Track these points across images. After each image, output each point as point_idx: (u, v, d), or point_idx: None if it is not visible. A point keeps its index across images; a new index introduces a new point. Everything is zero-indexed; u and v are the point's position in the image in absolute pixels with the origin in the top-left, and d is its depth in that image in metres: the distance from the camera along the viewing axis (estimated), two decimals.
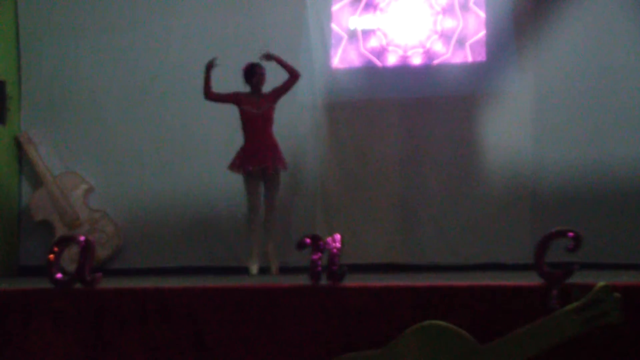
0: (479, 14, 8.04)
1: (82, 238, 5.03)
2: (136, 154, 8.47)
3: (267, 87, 7.48)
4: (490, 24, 7.99)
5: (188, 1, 8.57)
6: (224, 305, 4.76)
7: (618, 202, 7.47)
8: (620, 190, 7.47)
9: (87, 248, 4.98)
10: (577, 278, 4.41)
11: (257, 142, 7.35)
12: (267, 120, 7.42)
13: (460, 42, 8.03)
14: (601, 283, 4.12)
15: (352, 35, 8.27)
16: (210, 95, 7.42)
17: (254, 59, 7.71)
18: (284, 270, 7.24)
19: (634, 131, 7.53)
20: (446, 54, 8.08)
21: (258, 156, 7.34)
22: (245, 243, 7.67)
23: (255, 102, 7.40)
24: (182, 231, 8.28)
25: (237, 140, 7.70)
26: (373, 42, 8.23)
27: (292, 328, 4.61)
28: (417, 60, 8.09)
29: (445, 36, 8.08)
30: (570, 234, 4.46)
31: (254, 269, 7.28)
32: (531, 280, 4.58)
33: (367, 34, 8.26)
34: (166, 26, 8.53)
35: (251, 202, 7.43)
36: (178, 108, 8.37)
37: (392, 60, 8.17)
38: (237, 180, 7.62)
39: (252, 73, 7.47)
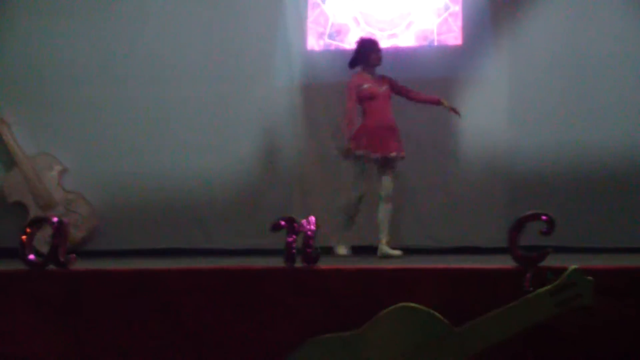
0: (455, 1, 8.05)
1: (55, 219, 5.01)
2: (112, 136, 8.41)
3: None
4: (467, 8, 7.99)
5: None
6: (199, 286, 4.76)
7: (592, 187, 7.51)
8: (594, 174, 7.52)
9: (60, 229, 4.96)
10: (551, 261, 4.43)
11: (380, 124, 6.92)
12: (388, 99, 7.00)
13: (437, 26, 8.02)
14: (574, 266, 4.15)
15: (329, 17, 8.24)
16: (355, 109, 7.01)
17: (231, 40, 7.68)
18: (262, 252, 7.21)
19: (608, 116, 7.57)
20: (423, 38, 8.07)
21: (383, 142, 6.89)
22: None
23: (376, 80, 6.99)
24: (158, 213, 8.24)
25: (215, 123, 7.68)
26: (351, 25, 8.21)
27: (266, 310, 4.62)
28: (394, 44, 8.08)
29: (422, 20, 8.08)
30: (544, 217, 4.49)
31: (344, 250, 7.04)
32: (506, 263, 4.60)
33: (344, 16, 8.23)
34: (142, 7, 8.45)
35: (362, 190, 6.99)
36: (155, 90, 8.31)
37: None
38: (212, 162, 7.60)
39: (377, 50, 7.03)
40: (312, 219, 4.81)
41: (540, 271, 4.29)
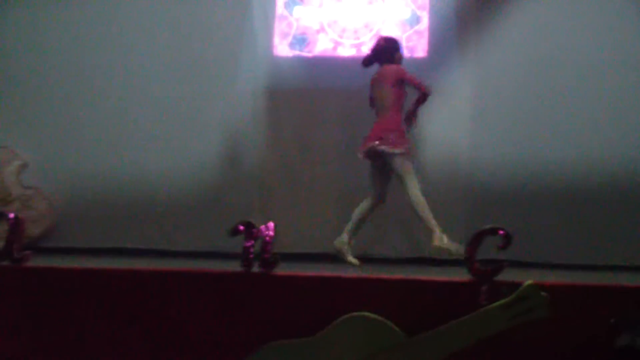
0: (423, 9, 8.09)
1: (11, 215, 4.97)
2: (74, 132, 8.33)
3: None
4: (433, 21, 8.04)
5: None
6: (153, 287, 4.74)
7: (551, 202, 7.56)
8: (553, 189, 7.57)
9: (16, 225, 4.92)
10: (507, 275, 4.47)
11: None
12: None
13: (403, 38, 8.06)
14: (529, 281, 4.19)
15: (297, 23, 8.25)
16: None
17: (198, 42, 7.65)
18: (220, 255, 7.17)
19: (569, 131, 7.64)
20: None
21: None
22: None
23: (376, 79, 6.79)
24: (117, 212, 8.16)
25: (177, 124, 7.64)
26: (316, 32, 8.22)
27: (222, 314, 4.62)
28: (360, 52, 8.10)
29: (388, 31, 8.10)
30: (501, 232, 4.53)
31: None
32: (463, 276, 4.63)
33: (311, 22, 8.24)
34: (109, 6, 8.39)
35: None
36: (118, 88, 8.26)
37: (335, 50, 8.17)
38: (174, 163, 7.57)
39: (400, 49, 6.93)
40: (271, 224, 4.81)
41: (496, 285, 4.33)
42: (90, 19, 8.40)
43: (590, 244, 7.47)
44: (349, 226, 6.69)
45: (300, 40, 8.24)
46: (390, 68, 6.69)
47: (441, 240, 6.35)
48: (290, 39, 8.24)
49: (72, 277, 4.81)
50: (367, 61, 6.90)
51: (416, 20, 8.12)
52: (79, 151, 8.28)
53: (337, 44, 8.19)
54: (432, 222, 6.40)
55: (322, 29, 8.22)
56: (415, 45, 8.08)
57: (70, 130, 8.32)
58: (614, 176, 7.56)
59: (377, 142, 6.49)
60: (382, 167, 6.61)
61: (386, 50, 6.83)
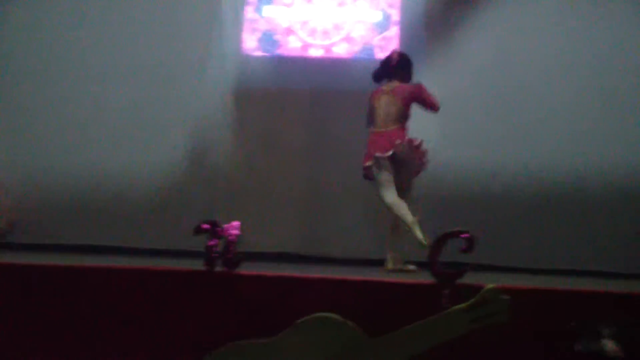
0: (393, 14, 8.12)
1: None
2: (40, 129, 8.26)
3: None
4: (404, 24, 8.06)
5: None
6: (116, 285, 4.71)
7: (514, 206, 7.62)
8: (517, 193, 7.63)
9: None
10: (469, 279, 4.49)
11: None
12: None
13: (374, 40, 8.08)
14: (491, 285, 4.20)
15: (266, 23, 8.24)
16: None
17: (165, 40, 7.60)
18: (184, 254, 7.13)
19: (537, 133, 7.70)
20: (359, 51, 8.12)
21: None
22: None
23: (387, 93, 6.71)
24: (83, 209, 8.11)
25: (143, 122, 7.61)
26: (286, 32, 8.22)
27: (184, 313, 4.60)
28: (329, 54, 8.11)
29: (359, 34, 8.13)
30: (465, 235, 4.55)
31: None
32: (426, 278, 4.65)
33: (281, 23, 8.23)
34: (76, 4, 8.34)
35: None
36: (85, 86, 8.20)
37: (304, 51, 8.18)
38: (139, 161, 7.53)
39: (389, 63, 6.86)
40: (235, 223, 4.82)
41: (458, 288, 4.35)
42: (56, 20, 8.34)
43: (553, 249, 7.53)
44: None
45: (270, 40, 8.23)
46: (409, 87, 6.68)
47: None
48: (259, 39, 8.22)
49: (34, 274, 4.77)
50: (380, 76, 6.84)
51: (386, 23, 8.14)
52: (45, 148, 8.22)
53: (306, 44, 8.20)
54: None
55: (291, 30, 8.22)
56: (384, 47, 8.10)
57: (36, 127, 8.25)
58: (578, 181, 7.63)
59: (400, 142, 6.47)
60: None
61: (402, 66, 6.79)
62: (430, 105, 6.64)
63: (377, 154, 6.46)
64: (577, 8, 7.92)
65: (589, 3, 7.94)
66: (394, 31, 8.10)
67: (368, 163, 6.50)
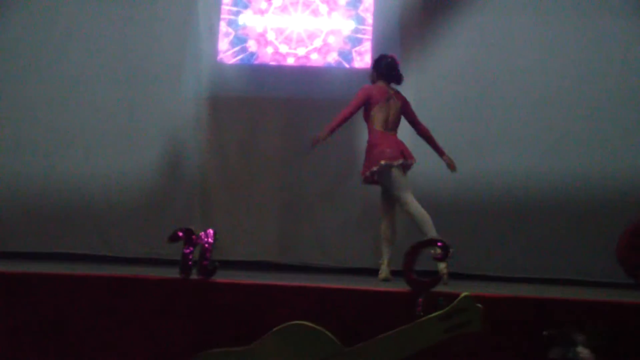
0: (368, 22, 8.15)
1: None
2: (12, 134, 8.21)
3: None
4: (377, 34, 8.09)
5: None
6: (93, 293, 4.69)
7: (489, 214, 7.64)
8: (491, 201, 7.64)
9: None
10: (443, 287, 4.51)
11: (394, 134, 6.56)
12: (400, 114, 6.62)
13: (348, 49, 8.11)
14: (465, 293, 4.23)
15: (241, 31, 8.24)
16: (350, 115, 6.44)
17: (141, 46, 7.58)
18: (160, 262, 7.12)
19: (508, 143, 7.73)
20: (333, 59, 8.14)
21: (402, 150, 6.48)
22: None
23: (389, 93, 6.59)
24: (56, 216, 8.06)
25: (118, 128, 7.59)
26: (261, 40, 8.22)
27: (159, 320, 4.59)
28: (304, 62, 8.13)
29: (333, 41, 8.15)
30: (439, 243, 4.58)
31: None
32: (400, 287, 4.66)
33: (255, 31, 8.24)
34: (52, 8, 8.30)
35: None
36: (59, 91, 8.16)
37: (279, 59, 8.19)
38: (114, 168, 7.50)
39: (396, 66, 6.70)
40: (211, 231, 4.81)
41: (433, 296, 4.36)
42: (32, 24, 8.30)
43: (528, 257, 7.57)
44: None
45: (244, 48, 8.23)
46: (402, 95, 6.68)
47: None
48: (234, 46, 8.23)
49: (5, 282, 4.74)
50: (394, 77, 6.73)
51: (360, 32, 8.17)
52: (17, 154, 8.16)
53: (280, 53, 8.20)
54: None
55: (266, 38, 8.22)
56: (359, 55, 8.12)
57: (7, 132, 8.21)
58: (553, 189, 7.66)
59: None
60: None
61: (383, 68, 6.70)
62: (412, 117, 6.66)
63: (402, 161, 6.36)
64: (552, 11, 7.94)
65: (561, 11, 7.96)
66: (367, 43, 8.12)
67: (383, 162, 6.31)
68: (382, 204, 6.49)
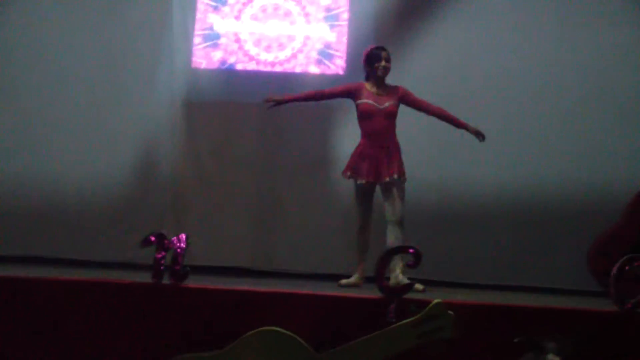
0: (343, 27, 8.17)
1: None
2: None
3: None
4: (352, 37, 8.09)
5: None
6: (62, 297, 4.67)
7: (460, 221, 7.65)
8: (462, 209, 7.66)
9: None
10: (415, 294, 4.53)
11: (376, 146, 6.40)
12: (392, 118, 6.43)
13: (322, 55, 8.12)
14: (437, 300, 4.25)
15: (216, 37, 8.23)
16: (318, 97, 6.48)
17: (117, 51, 7.55)
18: (132, 266, 7.07)
19: (481, 150, 7.73)
20: (307, 65, 8.15)
21: (376, 166, 6.38)
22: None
23: (375, 95, 6.41)
24: (26, 219, 7.98)
25: (92, 131, 7.56)
26: (235, 46, 8.22)
27: (131, 325, 4.58)
28: (278, 68, 8.13)
29: (308, 47, 8.16)
30: (411, 250, 4.59)
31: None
32: (372, 293, 4.67)
33: (230, 37, 8.23)
34: (28, 11, 8.24)
35: (362, 219, 6.50)
36: (32, 93, 8.08)
37: (252, 65, 8.18)
38: (87, 171, 7.46)
39: (377, 58, 6.40)
40: (183, 236, 4.80)
41: (405, 303, 4.38)
42: (8, 26, 8.24)
43: (499, 265, 7.59)
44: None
45: (219, 53, 8.22)
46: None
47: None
48: (209, 51, 8.21)
49: None
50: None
51: (335, 37, 8.18)
52: None
53: (255, 58, 8.20)
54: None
55: (241, 43, 8.21)
56: (332, 61, 8.14)
57: None
58: (523, 197, 7.69)
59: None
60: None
61: (367, 62, 6.58)
62: (419, 105, 6.62)
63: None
64: (532, 11, 7.96)
65: (544, 13, 7.99)
66: (342, 47, 8.13)
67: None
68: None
